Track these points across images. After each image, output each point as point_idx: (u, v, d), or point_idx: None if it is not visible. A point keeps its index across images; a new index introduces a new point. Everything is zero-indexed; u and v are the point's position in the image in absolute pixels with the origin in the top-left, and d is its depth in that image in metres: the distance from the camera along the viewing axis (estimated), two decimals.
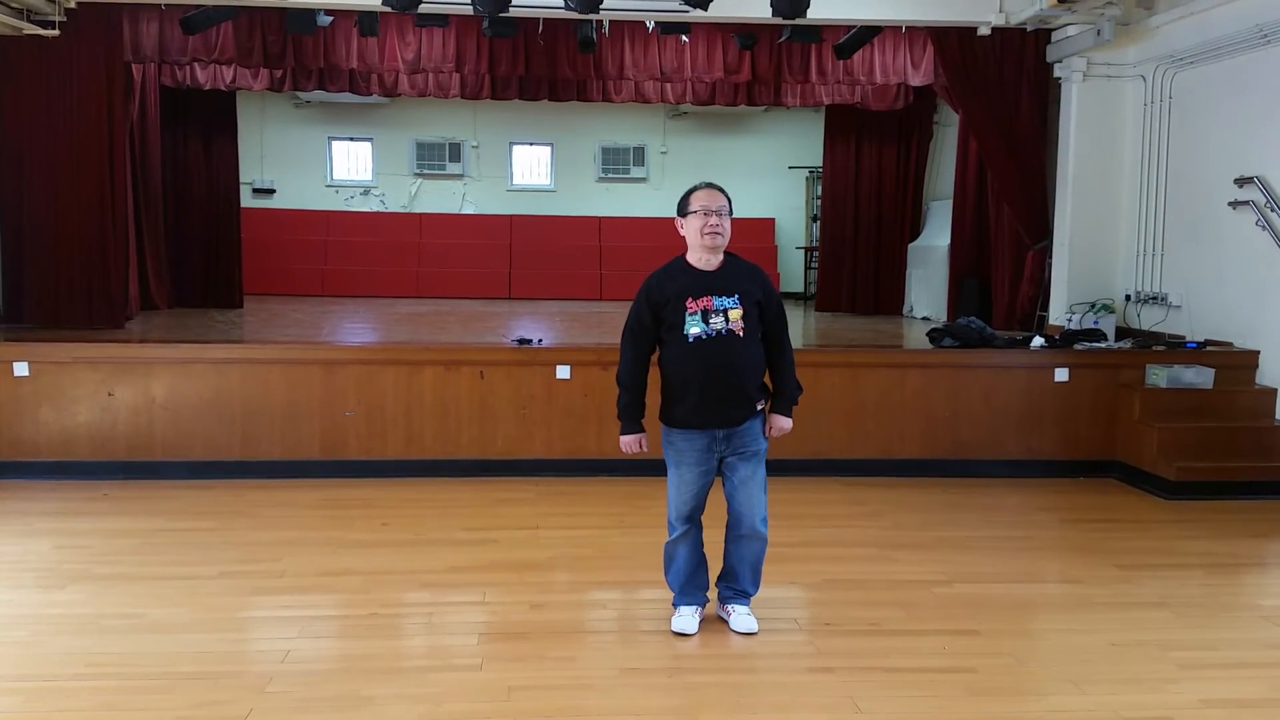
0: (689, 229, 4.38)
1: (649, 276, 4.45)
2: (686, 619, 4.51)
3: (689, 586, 4.55)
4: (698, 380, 4.30)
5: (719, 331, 4.27)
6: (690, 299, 4.29)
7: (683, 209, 4.41)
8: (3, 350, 7.20)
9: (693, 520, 4.48)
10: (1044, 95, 9.46)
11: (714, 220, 4.30)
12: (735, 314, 4.28)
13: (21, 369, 7.14)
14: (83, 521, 6.17)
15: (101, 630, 4.47)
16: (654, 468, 6.92)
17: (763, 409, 4.46)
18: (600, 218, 15.25)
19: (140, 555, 5.53)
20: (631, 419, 4.47)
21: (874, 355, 8.04)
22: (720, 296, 4.29)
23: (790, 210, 15.38)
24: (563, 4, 8.10)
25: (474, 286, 14.39)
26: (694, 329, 4.28)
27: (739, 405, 4.35)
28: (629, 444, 4.49)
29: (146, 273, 10.69)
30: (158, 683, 3.95)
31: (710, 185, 4.43)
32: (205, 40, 9.30)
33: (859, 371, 7.65)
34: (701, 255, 4.36)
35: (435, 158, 15.31)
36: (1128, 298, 9.01)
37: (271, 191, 14.98)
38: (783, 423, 4.51)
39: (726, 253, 4.41)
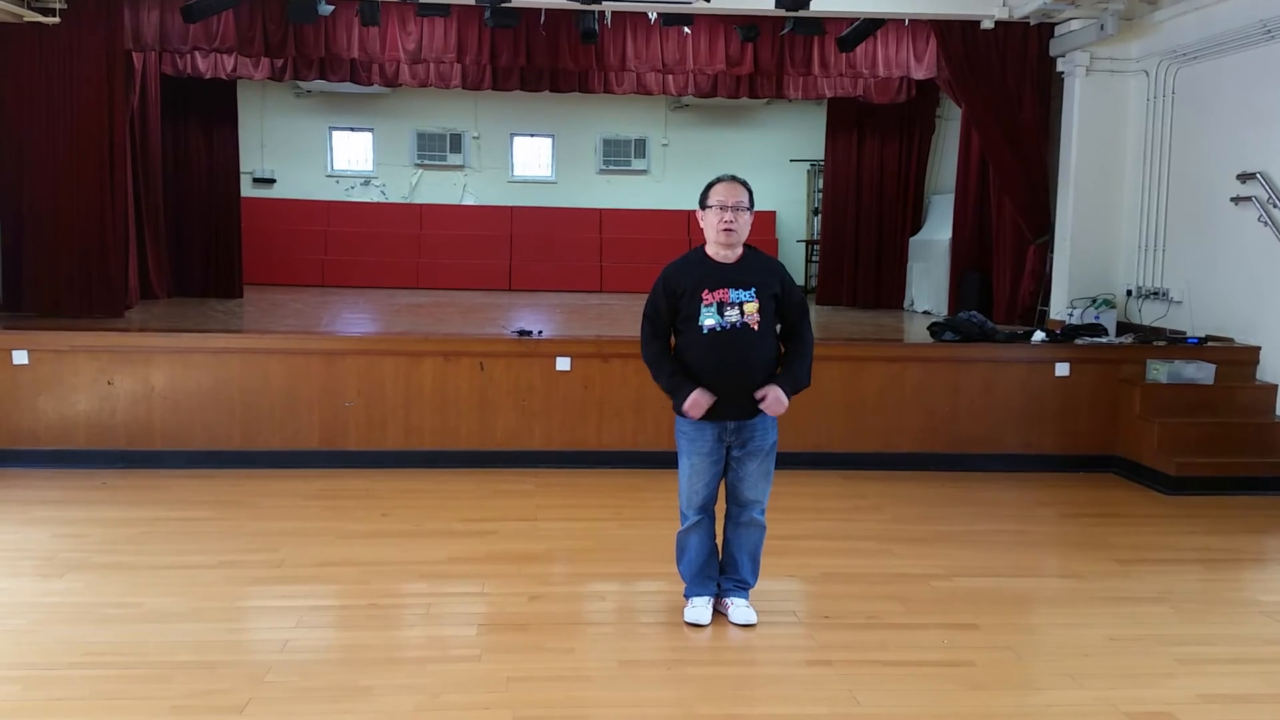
0: (706, 222, 4.37)
1: (667, 265, 4.44)
2: (700, 610, 4.51)
3: (700, 576, 4.55)
4: (710, 372, 4.30)
5: (733, 324, 4.27)
6: (706, 290, 4.29)
7: (702, 201, 4.39)
8: (2, 338, 7.19)
9: (705, 510, 4.48)
10: (1046, 89, 9.43)
11: (729, 216, 4.28)
12: (751, 307, 4.28)
13: (21, 357, 7.13)
14: (81, 510, 6.17)
15: (99, 619, 4.46)
16: (653, 460, 6.96)
17: None
18: (601, 210, 15.21)
19: (139, 544, 5.52)
20: (680, 386, 4.32)
21: (874, 349, 8.03)
22: (737, 289, 4.28)
23: (791, 203, 15.37)
24: None
25: (474, 278, 14.36)
26: (709, 321, 4.27)
27: (751, 398, 4.33)
28: (694, 405, 4.29)
29: (146, 262, 10.66)
30: (156, 672, 3.94)
31: (732, 179, 4.39)
32: (206, 29, 9.27)
33: (859, 365, 7.64)
34: (718, 249, 4.36)
35: (436, 148, 15.28)
36: (1129, 293, 9.00)
37: (272, 181, 14.95)
38: (778, 394, 4.31)
39: (746, 245, 4.40)
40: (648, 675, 4.04)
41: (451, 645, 4.30)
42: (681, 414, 4.36)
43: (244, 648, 4.30)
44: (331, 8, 9.29)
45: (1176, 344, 7.90)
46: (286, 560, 5.31)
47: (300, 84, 14.08)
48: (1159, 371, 7.51)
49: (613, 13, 9.50)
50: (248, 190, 13.76)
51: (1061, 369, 7.68)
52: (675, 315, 4.36)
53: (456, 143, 15.28)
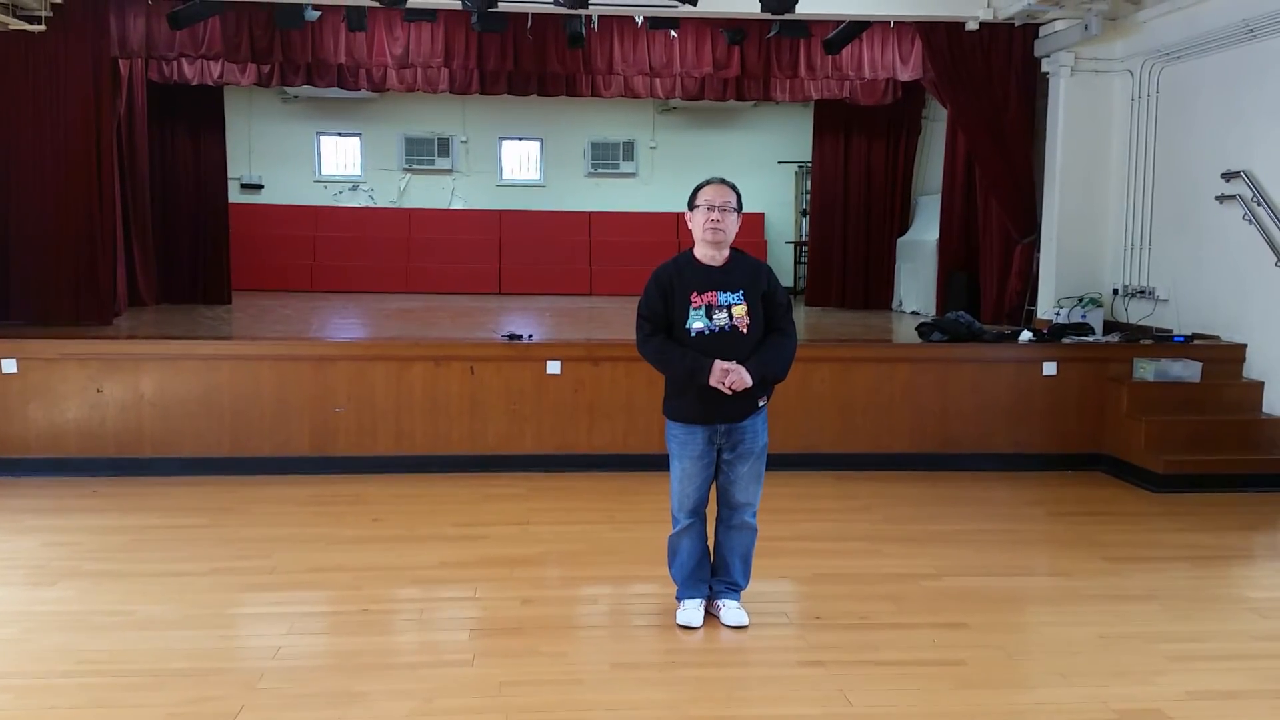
0: (694, 223, 4.38)
1: (658, 268, 4.44)
2: (692, 612, 4.52)
3: (692, 579, 4.57)
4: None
5: (722, 328, 4.28)
6: (695, 293, 4.30)
7: (691, 202, 4.42)
8: None
9: (697, 513, 4.50)
10: (1032, 90, 9.48)
11: (715, 216, 4.29)
12: (739, 310, 4.29)
13: (10, 366, 7.11)
14: (72, 518, 6.15)
15: (91, 627, 4.46)
16: (644, 463, 6.97)
17: (764, 405, 4.46)
18: (590, 213, 15.23)
19: (130, 552, 5.51)
20: (699, 366, 4.23)
21: (863, 350, 8.06)
22: (725, 292, 4.30)
23: (779, 205, 15.41)
24: None
25: (464, 282, 14.36)
26: (697, 324, 4.29)
27: (740, 401, 4.33)
28: (722, 377, 4.21)
29: (134, 269, 10.64)
30: (148, 679, 3.94)
31: (721, 181, 4.41)
32: (192, 35, 9.27)
33: (848, 366, 7.67)
34: (706, 250, 4.37)
35: (424, 153, 15.27)
36: (1115, 291, 9.05)
37: (260, 187, 14.93)
38: (740, 371, 4.23)
39: (733, 249, 4.41)
40: (640, 678, 4.05)
41: (444, 650, 4.31)
42: (717, 387, 4.23)
43: (236, 654, 4.31)
44: (318, 13, 9.29)
45: (1163, 342, 7.94)
46: (278, 566, 5.31)
47: (287, 89, 14.06)
48: (1146, 370, 7.56)
49: (600, 16, 9.52)
50: (235, 196, 13.75)
51: (1049, 368, 7.72)
52: (669, 314, 4.36)
53: (445, 147, 15.28)
